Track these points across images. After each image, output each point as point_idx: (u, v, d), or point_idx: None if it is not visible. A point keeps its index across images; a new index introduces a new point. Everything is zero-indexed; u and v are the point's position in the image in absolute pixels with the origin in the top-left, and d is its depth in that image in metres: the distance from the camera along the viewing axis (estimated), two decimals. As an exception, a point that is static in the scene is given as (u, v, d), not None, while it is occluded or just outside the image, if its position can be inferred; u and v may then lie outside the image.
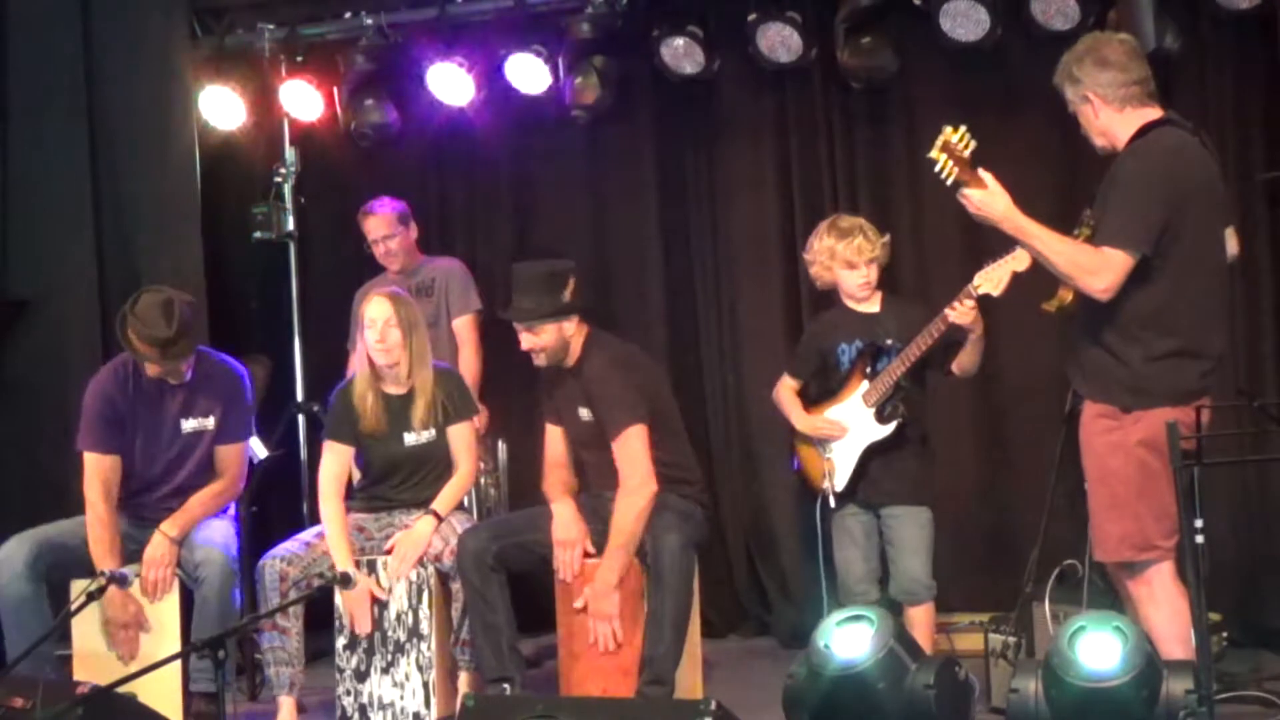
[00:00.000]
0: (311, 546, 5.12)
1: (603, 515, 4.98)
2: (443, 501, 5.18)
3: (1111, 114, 4.20)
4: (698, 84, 6.37)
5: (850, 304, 5.13)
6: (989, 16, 5.71)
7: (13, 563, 5.01)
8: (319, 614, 5.21)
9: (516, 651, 4.99)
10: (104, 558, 4.99)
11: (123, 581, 4.98)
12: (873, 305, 5.12)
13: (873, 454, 5.00)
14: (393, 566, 5.06)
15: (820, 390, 5.20)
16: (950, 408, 5.83)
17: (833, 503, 5.02)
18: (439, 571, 5.08)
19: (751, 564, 6.56)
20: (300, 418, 6.67)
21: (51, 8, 6.51)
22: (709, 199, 6.63)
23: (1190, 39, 5.66)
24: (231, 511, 5.39)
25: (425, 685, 5.04)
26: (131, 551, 5.13)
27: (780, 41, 6.07)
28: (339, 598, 5.07)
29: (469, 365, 6.06)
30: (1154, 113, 4.20)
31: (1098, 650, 3.86)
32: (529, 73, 6.36)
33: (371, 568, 5.10)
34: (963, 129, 4.10)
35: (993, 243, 4.61)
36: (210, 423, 5.25)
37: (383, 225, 6.22)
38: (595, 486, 5.15)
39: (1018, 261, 4.58)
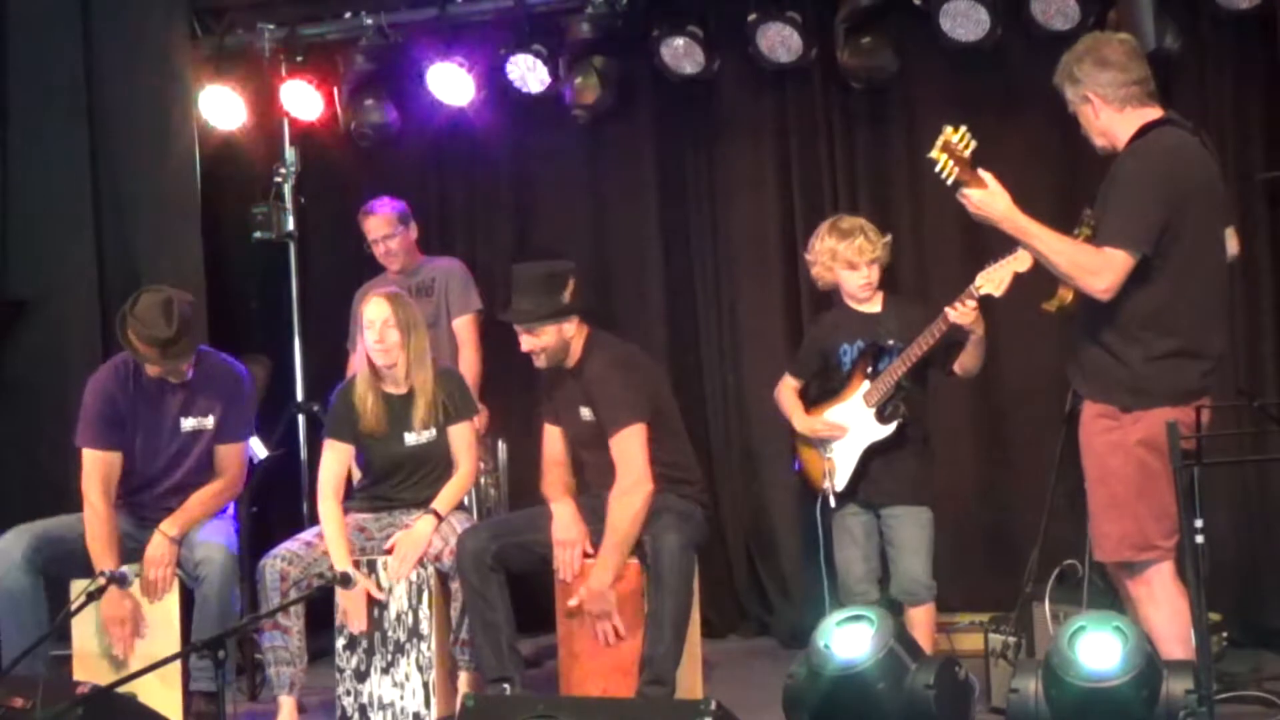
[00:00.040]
0: (312, 546, 5.12)
1: (602, 515, 4.98)
2: (443, 501, 5.18)
3: (1111, 114, 4.20)
4: (698, 84, 6.37)
5: (852, 304, 5.13)
6: (989, 16, 5.71)
7: (10, 554, 5.01)
8: (319, 614, 5.21)
9: (516, 651, 4.99)
10: (102, 554, 4.99)
11: (123, 581, 4.97)
12: (874, 305, 5.12)
13: (873, 454, 5.00)
14: (393, 567, 5.06)
15: (822, 390, 5.20)
16: (950, 408, 5.83)
17: (833, 502, 5.03)
18: (439, 571, 5.08)
19: (751, 564, 6.56)
20: (300, 418, 6.67)
21: (51, 8, 6.52)
22: (709, 199, 6.63)
23: (1190, 39, 5.66)
24: (231, 511, 5.39)
25: (425, 685, 5.04)
26: (131, 550, 5.12)
27: (780, 41, 6.07)
28: (339, 596, 5.07)
29: (469, 365, 6.06)
30: (1154, 113, 4.20)
31: (1098, 650, 3.86)
32: (529, 73, 6.36)
33: (371, 567, 5.10)
34: (963, 129, 4.09)
35: (993, 243, 4.61)
36: (210, 422, 5.25)
37: (383, 225, 6.22)
38: (594, 487, 5.15)
39: (1019, 262, 4.58)
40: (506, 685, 4.89)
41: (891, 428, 4.96)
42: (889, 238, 5.14)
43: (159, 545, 5.06)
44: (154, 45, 6.54)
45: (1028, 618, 4.85)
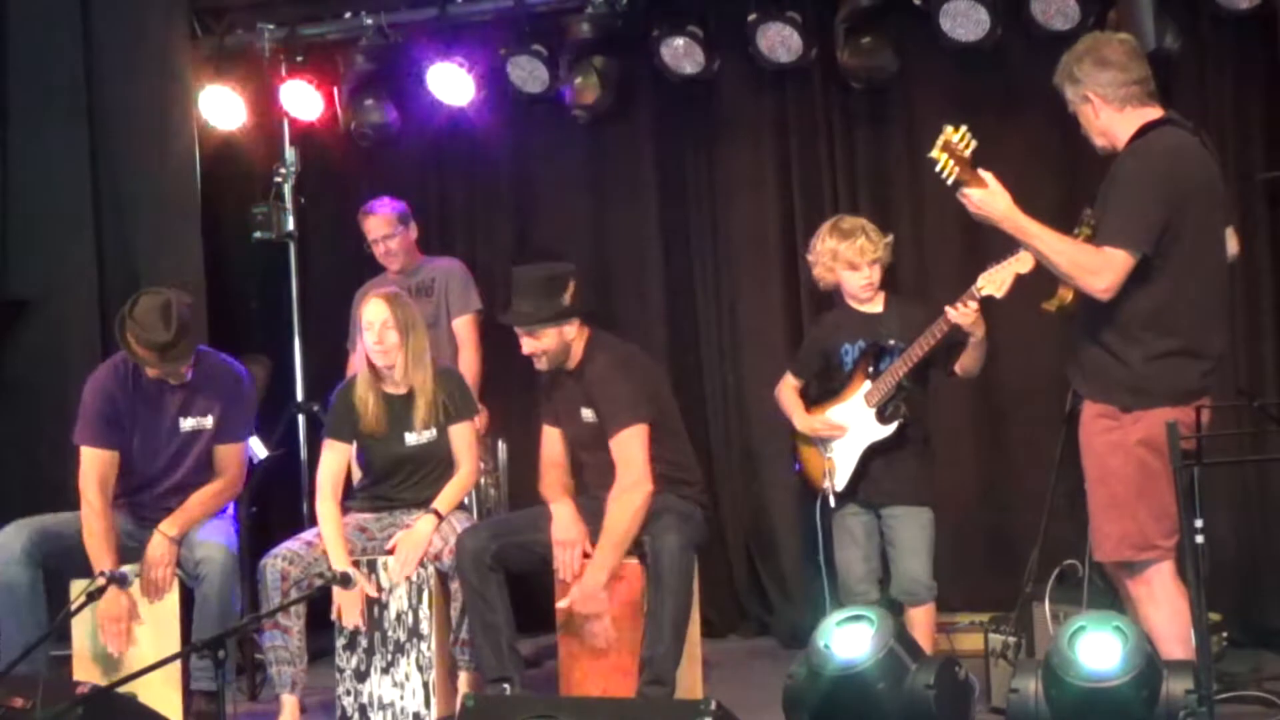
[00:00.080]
0: (313, 546, 5.12)
1: (601, 516, 4.96)
2: (444, 501, 5.18)
3: (1111, 114, 4.20)
4: (698, 84, 6.37)
5: (853, 304, 5.13)
6: (989, 16, 5.71)
7: (10, 548, 5.01)
8: (319, 614, 5.21)
9: (516, 651, 4.99)
10: (99, 552, 4.98)
11: (123, 581, 4.97)
12: (876, 305, 5.12)
13: (874, 454, 5.00)
14: (394, 569, 5.06)
15: (822, 390, 5.20)
16: (951, 408, 5.83)
17: (833, 502, 5.03)
18: (439, 571, 5.08)
19: (751, 564, 6.56)
20: (300, 418, 6.68)
21: (51, 8, 6.52)
22: (709, 199, 6.63)
23: (1190, 39, 5.66)
24: (230, 511, 5.38)
25: (425, 685, 5.04)
26: (131, 550, 5.12)
27: (780, 41, 6.07)
28: (335, 593, 5.06)
29: (469, 365, 6.05)
30: (1154, 112, 4.20)
31: (1098, 650, 3.86)
32: (529, 73, 6.36)
33: (372, 567, 5.10)
34: (963, 128, 4.09)
35: (993, 243, 4.61)
36: (208, 422, 5.25)
37: (383, 225, 6.22)
38: (594, 488, 5.14)
39: (1021, 264, 4.58)
40: (506, 685, 4.89)
41: (892, 428, 4.96)
42: (890, 238, 5.14)
43: (159, 545, 5.05)
44: (154, 45, 6.54)
45: (1028, 618, 4.85)
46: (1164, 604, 4.14)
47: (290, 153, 6.73)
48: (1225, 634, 5.12)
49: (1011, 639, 4.77)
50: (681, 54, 6.20)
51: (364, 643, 5.07)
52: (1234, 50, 5.84)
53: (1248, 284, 5.69)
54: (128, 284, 6.09)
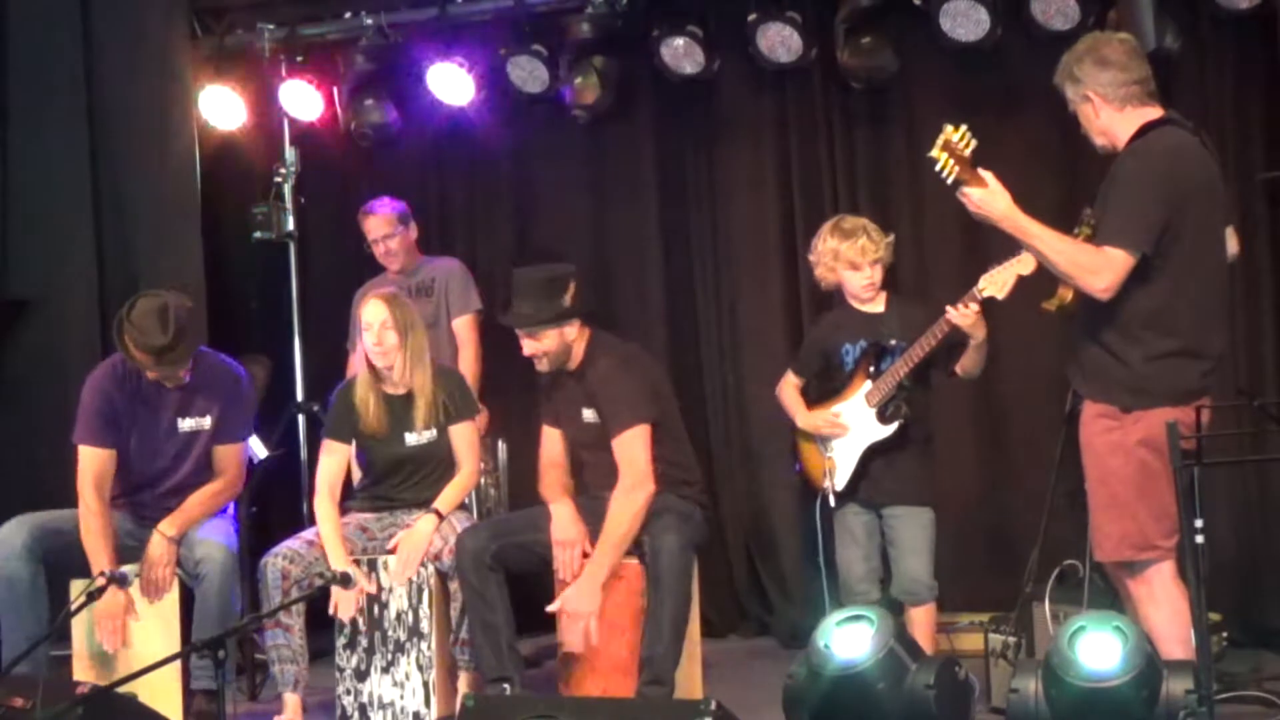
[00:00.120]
0: (314, 545, 5.12)
1: (601, 516, 4.96)
2: (445, 500, 5.18)
3: (1112, 113, 4.20)
4: (698, 84, 6.37)
5: (854, 304, 5.13)
6: (989, 16, 5.71)
7: (10, 543, 5.01)
8: (320, 613, 5.21)
9: (516, 651, 4.98)
10: (96, 551, 4.98)
11: (123, 581, 4.97)
12: (877, 305, 5.12)
13: (874, 454, 5.00)
14: (395, 569, 5.06)
15: (823, 389, 5.20)
16: (951, 408, 5.82)
17: (833, 502, 5.02)
18: (439, 571, 5.08)
19: (751, 564, 6.56)
20: (300, 418, 6.68)
21: (51, 8, 6.52)
22: (709, 199, 6.63)
23: (1190, 39, 5.67)
24: (230, 511, 5.38)
25: (425, 685, 5.04)
26: (131, 549, 5.12)
27: (780, 41, 6.07)
28: (334, 590, 5.06)
29: (469, 365, 6.05)
30: (1154, 112, 4.20)
31: (1098, 650, 3.86)
32: (529, 73, 6.36)
33: (373, 566, 5.10)
34: (963, 128, 4.09)
35: (994, 243, 4.61)
36: (207, 422, 5.25)
37: (383, 225, 6.22)
38: (594, 488, 5.14)
39: (1023, 265, 4.58)
40: (506, 685, 4.88)
41: (893, 428, 4.96)
42: (891, 237, 5.14)
43: (158, 545, 5.05)
44: (154, 45, 6.54)
45: (1028, 618, 4.85)
46: (1164, 604, 4.14)
47: (290, 153, 6.73)
48: (1225, 634, 5.12)
49: (1011, 639, 4.77)
50: (681, 54, 6.20)
51: (364, 642, 5.07)
52: (1234, 50, 5.84)
53: (1248, 284, 5.69)
54: (127, 284, 6.10)
